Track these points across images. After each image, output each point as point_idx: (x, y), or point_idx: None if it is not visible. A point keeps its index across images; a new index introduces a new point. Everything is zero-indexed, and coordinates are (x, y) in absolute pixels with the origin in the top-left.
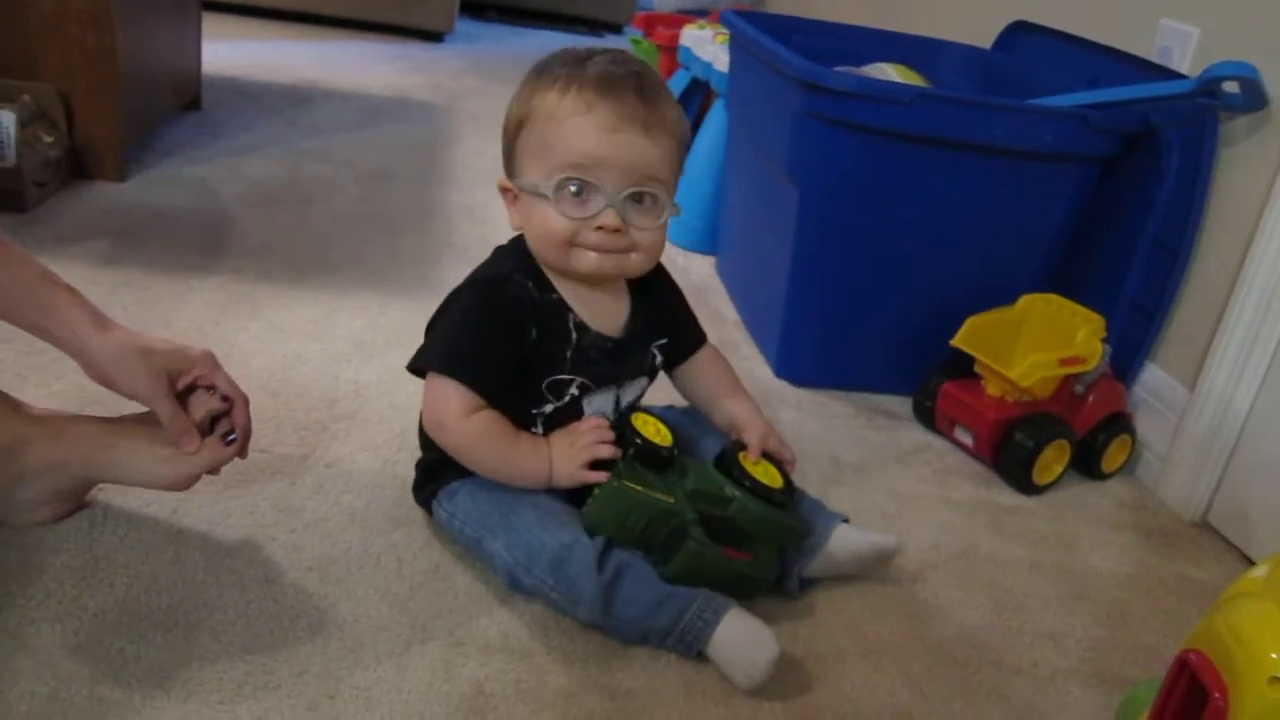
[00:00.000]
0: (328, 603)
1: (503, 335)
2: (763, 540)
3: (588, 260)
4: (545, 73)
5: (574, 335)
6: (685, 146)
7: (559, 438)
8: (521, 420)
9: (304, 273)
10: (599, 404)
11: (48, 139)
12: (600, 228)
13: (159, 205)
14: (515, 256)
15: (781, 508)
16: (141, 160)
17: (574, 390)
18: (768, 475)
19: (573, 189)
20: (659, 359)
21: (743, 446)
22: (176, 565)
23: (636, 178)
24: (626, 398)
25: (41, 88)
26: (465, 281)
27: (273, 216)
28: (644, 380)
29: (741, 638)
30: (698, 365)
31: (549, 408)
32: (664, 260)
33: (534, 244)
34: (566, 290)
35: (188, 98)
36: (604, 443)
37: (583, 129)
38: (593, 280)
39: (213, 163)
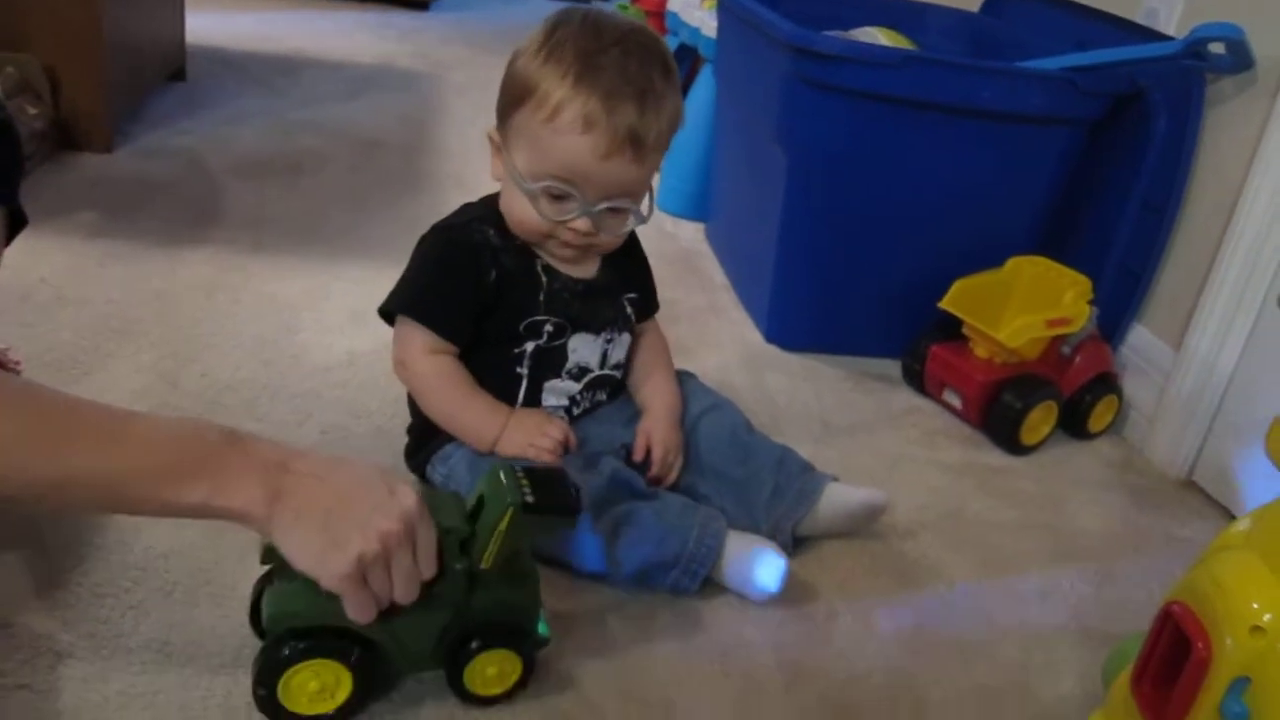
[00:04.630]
0: None
1: (460, 277)
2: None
3: (558, 251)
4: (558, 50)
5: (543, 278)
6: (672, 136)
7: (525, 414)
8: (505, 360)
9: (296, 243)
10: (585, 352)
11: (33, 111)
12: (573, 229)
13: (147, 177)
14: (480, 208)
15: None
16: (128, 132)
17: (549, 328)
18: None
19: (554, 194)
20: (630, 311)
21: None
22: (174, 534)
23: (616, 194)
24: (614, 354)
25: (26, 59)
26: (429, 229)
27: (263, 187)
28: (626, 336)
29: (748, 552)
30: (641, 336)
31: (530, 345)
32: (653, 226)
33: (509, 220)
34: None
35: (173, 69)
36: (555, 446)
37: (576, 149)
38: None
39: (201, 134)
